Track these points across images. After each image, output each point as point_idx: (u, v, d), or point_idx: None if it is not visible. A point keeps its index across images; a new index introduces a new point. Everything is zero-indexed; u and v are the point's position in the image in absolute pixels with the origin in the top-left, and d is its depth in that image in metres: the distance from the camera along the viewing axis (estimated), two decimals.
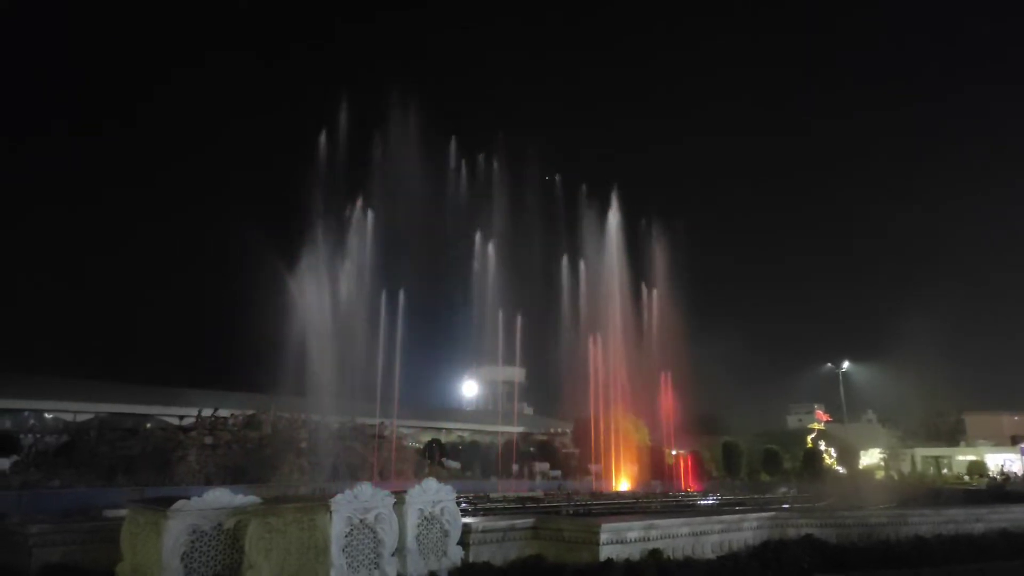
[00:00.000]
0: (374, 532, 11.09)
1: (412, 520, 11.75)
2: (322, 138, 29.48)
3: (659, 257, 40.61)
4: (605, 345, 36.73)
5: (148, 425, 33.13)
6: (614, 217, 39.23)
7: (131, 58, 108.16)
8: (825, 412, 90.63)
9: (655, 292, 39.50)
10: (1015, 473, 55.20)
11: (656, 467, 36.90)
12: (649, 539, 13.57)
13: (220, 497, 11.87)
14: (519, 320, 35.21)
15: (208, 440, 27.76)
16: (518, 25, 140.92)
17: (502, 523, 14.11)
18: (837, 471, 43.50)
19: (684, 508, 24.22)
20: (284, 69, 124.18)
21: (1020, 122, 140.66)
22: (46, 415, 39.51)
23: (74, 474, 24.58)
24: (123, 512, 13.11)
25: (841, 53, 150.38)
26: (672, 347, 38.54)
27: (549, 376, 36.05)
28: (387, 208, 31.21)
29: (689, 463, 39.62)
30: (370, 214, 30.06)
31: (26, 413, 39.19)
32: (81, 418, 36.20)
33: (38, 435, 30.99)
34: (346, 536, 10.81)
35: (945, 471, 61.11)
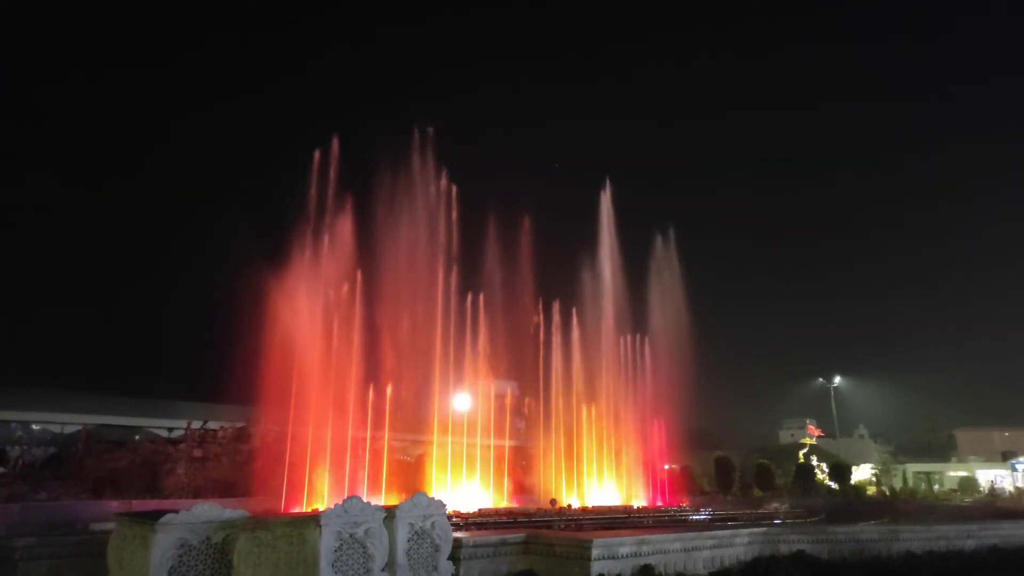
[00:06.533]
0: (364, 547, 11.02)
1: (402, 535, 11.67)
2: (315, 155, 29.43)
3: (652, 269, 40.79)
4: (597, 360, 36.83)
5: (137, 437, 32.84)
6: (606, 229, 39.45)
7: (115, 43, 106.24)
8: (817, 427, 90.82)
9: (648, 307, 39.63)
10: (1003, 489, 55.31)
11: (649, 481, 36.84)
12: (641, 554, 13.54)
13: (209, 511, 11.78)
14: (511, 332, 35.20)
15: (197, 453, 27.55)
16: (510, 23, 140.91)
17: (493, 538, 14.06)
18: (829, 486, 43.41)
19: (676, 523, 24.22)
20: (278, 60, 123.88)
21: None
22: (33, 426, 39.13)
23: (61, 487, 24.31)
24: (110, 525, 12.99)
25: (835, 46, 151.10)
26: (665, 362, 38.62)
27: (541, 390, 35.92)
28: (378, 220, 31.22)
29: (681, 477, 39.61)
30: (362, 226, 30.03)
31: (13, 424, 38.80)
32: (69, 430, 35.87)
33: (25, 447, 30.67)
34: (336, 551, 10.74)
35: (937, 487, 61.16)
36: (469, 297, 33.05)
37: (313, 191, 28.72)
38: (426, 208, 33.17)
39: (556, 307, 36.43)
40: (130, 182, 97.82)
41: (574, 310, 36.73)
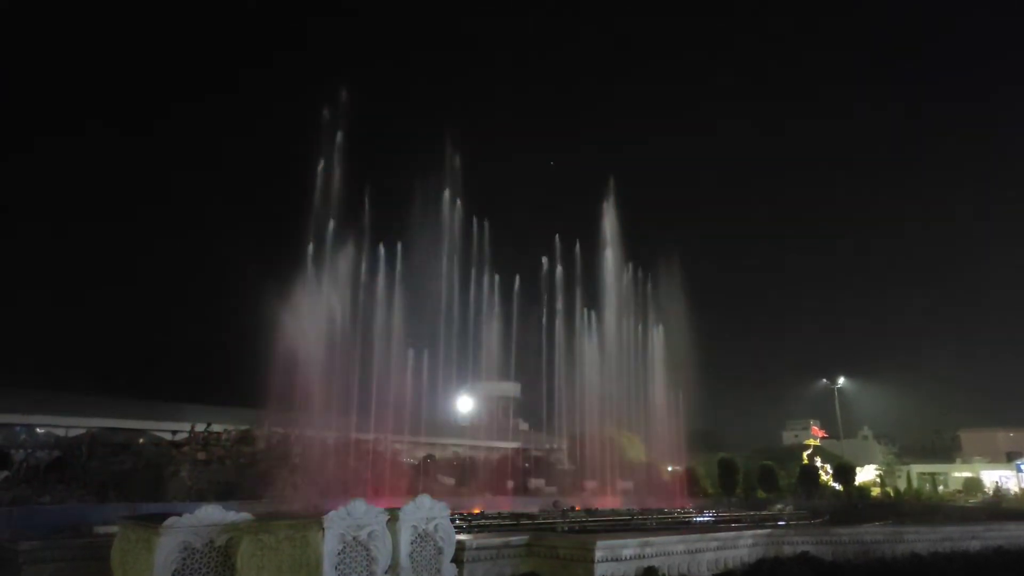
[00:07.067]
0: (367, 549, 11.01)
1: (406, 537, 11.67)
2: (319, 164, 29.53)
3: (656, 272, 40.87)
4: (600, 362, 36.86)
5: (141, 440, 32.86)
6: (609, 224, 39.54)
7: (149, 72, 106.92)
8: (821, 428, 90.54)
9: (651, 309, 39.66)
10: (1008, 490, 55.12)
11: (652, 484, 36.83)
12: (644, 556, 13.51)
13: (212, 513, 11.77)
14: (514, 335, 35.29)
15: (201, 456, 27.57)
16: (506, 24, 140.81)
17: (496, 540, 14.04)
18: (833, 488, 43.31)
19: (680, 525, 24.17)
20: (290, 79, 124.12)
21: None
22: (37, 430, 39.15)
23: (65, 490, 24.37)
24: (114, 529, 12.99)
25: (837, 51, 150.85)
26: (669, 364, 38.64)
27: (545, 392, 36.02)
28: (381, 222, 31.35)
29: (684, 480, 39.55)
30: (365, 229, 30.13)
31: (17, 428, 38.83)
32: (73, 433, 35.88)
33: (29, 450, 30.70)
34: (339, 554, 10.73)
35: (941, 488, 60.97)
36: (473, 292, 33.16)
37: (318, 193, 28.80)
38: (434, 203, 33.31)
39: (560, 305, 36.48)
40: (129, 180, 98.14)
41: (580, 312, 36.81)
